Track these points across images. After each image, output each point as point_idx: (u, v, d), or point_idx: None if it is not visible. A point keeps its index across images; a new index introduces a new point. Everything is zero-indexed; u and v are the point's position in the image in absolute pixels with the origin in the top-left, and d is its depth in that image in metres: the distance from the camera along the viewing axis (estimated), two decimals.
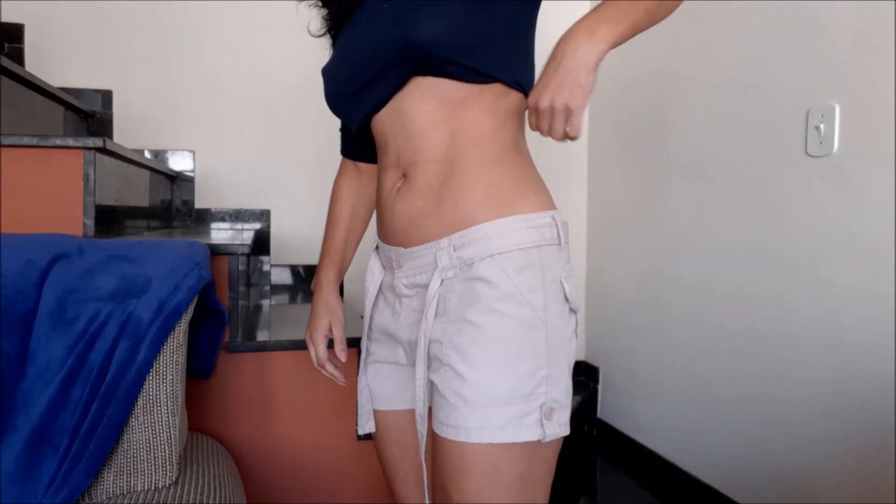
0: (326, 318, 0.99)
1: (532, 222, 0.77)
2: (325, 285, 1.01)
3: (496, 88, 0.79)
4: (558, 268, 0.79)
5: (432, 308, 0.78)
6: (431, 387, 0.79)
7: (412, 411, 0.89)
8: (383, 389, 0.92)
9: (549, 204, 0.81)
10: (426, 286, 0.80)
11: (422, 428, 0.81)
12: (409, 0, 0.77)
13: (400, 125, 0.81)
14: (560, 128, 0.71)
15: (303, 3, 0.94)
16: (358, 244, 1.07)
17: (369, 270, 0.91)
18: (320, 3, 0.94)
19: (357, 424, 0.94)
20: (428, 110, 0.79)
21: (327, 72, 0.89)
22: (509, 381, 0.74)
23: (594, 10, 0.72)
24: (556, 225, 0.79)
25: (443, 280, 0.78)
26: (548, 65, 0.72)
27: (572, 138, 0.71)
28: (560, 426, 0.76)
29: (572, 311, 0.81)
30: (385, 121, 0.83)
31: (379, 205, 0.87)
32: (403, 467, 0.93)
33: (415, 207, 0.80)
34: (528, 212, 0.78)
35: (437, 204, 0.78)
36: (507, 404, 0.73)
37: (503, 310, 0.75)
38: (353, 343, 1.38)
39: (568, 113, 0.69)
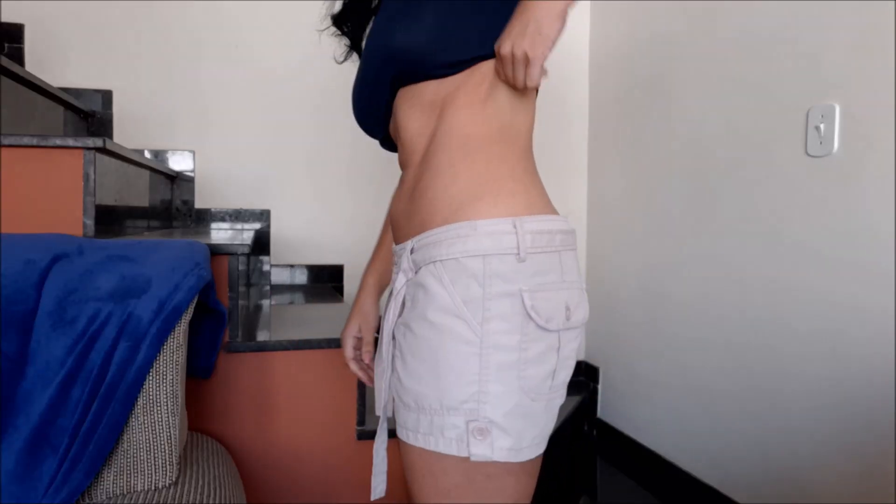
0: (357, 321, 1.00)
1: (483, 229, 0.71)
2: (364, 288, 1.02)
3: (478, 72, 0.77)
4: (515, 280, 0.71)
5: (395, 304, 0.80)
6: None
7: None
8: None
9: (520, 208, 0.74)
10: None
11: (382, 421, 0.85)
12: (396, 11, 0.80)
13: (397, 134, 0.85)
14: (520, 76, 0.70)
15: (324, 31, 1.00)
16: None
17: (393, 276, 0.94)
18: (339, 33, 1.00)
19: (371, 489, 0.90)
20: (415, 117, 0.81)
21: (353, 91, 0.92)
22: (433, 391, 0.72)
23: None
24: (516, 233, 0.71)
25: (406, 280, 0.79)
26: (514, 13, 0.71)
27: (528, 85, 0.71)
28: (494, 450, 0.70)
29: (543, 328, 0.72)
30: (392, 131, 0.88)
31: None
32: None
33: (398, 209, 0.84)
34: (481, 217, 0.72)
35: (409, 205, 0.81)
36: (434, 413, 0.72)
37: (434, 320, 0.72)
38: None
39: (526, 61, 0.69)
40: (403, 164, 0.86)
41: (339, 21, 1.00)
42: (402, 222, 0.83)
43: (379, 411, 0.84)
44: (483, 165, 0.75)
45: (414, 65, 0.77)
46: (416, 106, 0.81)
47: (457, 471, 0.72)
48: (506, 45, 0.71)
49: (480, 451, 0.70)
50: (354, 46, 1.01)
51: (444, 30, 0.76)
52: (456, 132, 0.76)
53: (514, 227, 0.72)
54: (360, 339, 0.99)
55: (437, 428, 0.72)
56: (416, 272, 0.77)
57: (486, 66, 0.76)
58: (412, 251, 0.78)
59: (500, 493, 0.73)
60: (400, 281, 0.80)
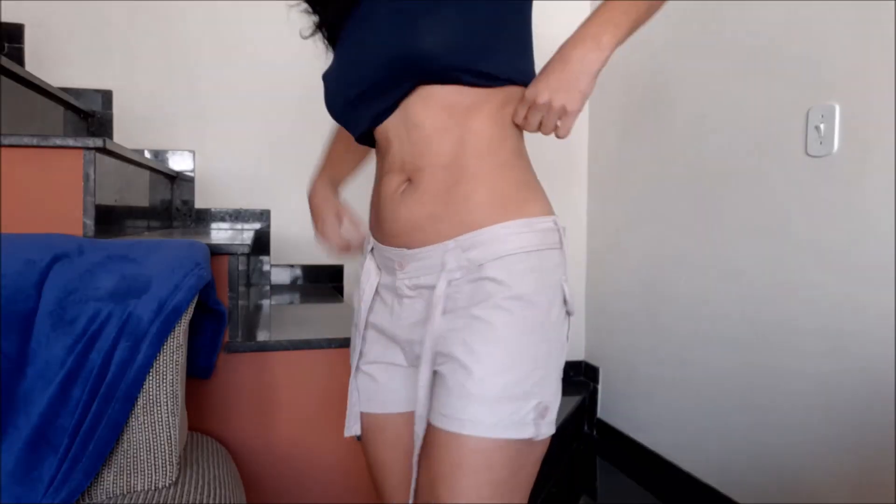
0: (331, 209, 1.02)
1: (535, 226, 0.79)
2: (320, 186, 1.04)
3: (502, 93, 0.80)
4: (559, 271, 0.81)
5: (439, 308, 0.79)
6: (434, 382, 0.80)
7: (406, 414, 0.89)
8: (378, 391, 0.91)
9: (550, 209, 0.83)
10: (430, 287, 0.81)
11: (420, 429, 0.81)
12: (409, 5, 0.77)
13: (406, 132, 0.81)
14: (551, 125, 0.76)
15: (293, 6, 0.95)
16: (354, 171, 1.12)
17: (364, 272, 0.91)
18: (310, 10, 0.94)
19: (345, 426, 0.95)
20: (434, 117, 0.79)
21: (329, 79, 0.89)
22: (509, 379, 0.75)
23: (597, 14, 0.77)
24: (558, 229, 0.82)
25: (450, 281, 0.79)
26: (552, 64, 0.76)
27: (559, 136, 0.77)
28: (549, 425, 0.78)
29: (569, 314, 0.83)
30: (390, 128, 0.83)
31: (378, 207, 0.87)
32: (396, 471, 0.91)
33: (422, 211, 0.80)
34: (532, 216, 0.79)
35: (444, 208, 0.79)
36: (507, 401, 0.74)
37: (511, 308, 0.76)
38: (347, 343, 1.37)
39: (563, 113, 0.74)
40: (407, 164, 0.81)
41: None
42: (427, 225, 0.80)
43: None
44: (519, 172, 0.83)
45: (444, 71, 0.76)
46: (433, 107, 0.79)
47: (515, 458, 0.76)
48: (543, 95, 0.75)
49: (545, 430, 0.77)
50: (329, 29, 0.94)
51: (476, 36, 0.77)
52: (486, 140, 0.80)
53: (555, 224, 0.82)
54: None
55: (512, 414, 0.74)
56: (478, 268, 0.78)
57: (514, 91, 0.81)
58: (461, 250, 0.79)
59: (532, 480, 0.82)
60: (442, 282, 0.79)
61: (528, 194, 0.82)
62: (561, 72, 0.74)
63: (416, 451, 0.81)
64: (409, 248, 0.82)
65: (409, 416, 0.88)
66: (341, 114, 0.89)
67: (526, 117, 0.78)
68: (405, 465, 0.90)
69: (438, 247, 0.79)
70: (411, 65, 0.76)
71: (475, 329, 0.76)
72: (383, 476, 0.93)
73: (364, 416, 0.92)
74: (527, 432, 0.75)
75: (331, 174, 1.07)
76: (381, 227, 0.86)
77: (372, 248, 0.91)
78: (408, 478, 0.89)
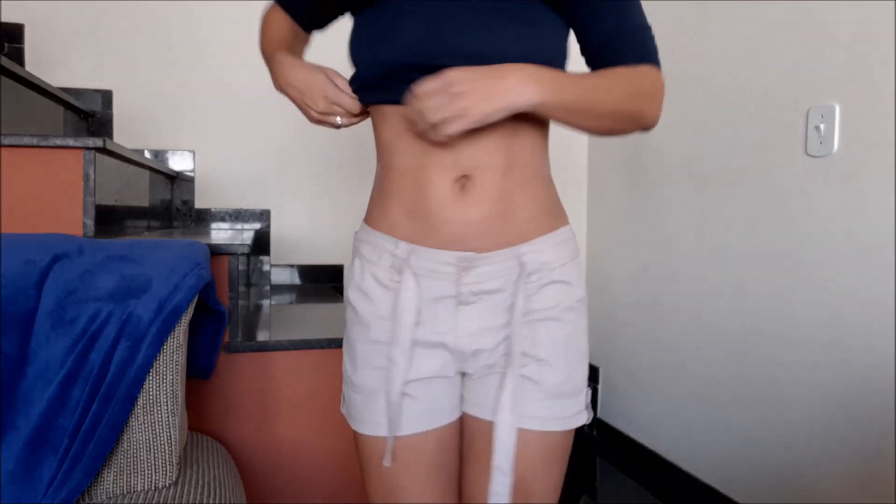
0: (321, 72, 0.85)
1: (571, 234, 0.88)
2: (294, 59, 0.88)
3: None
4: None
5: (519, 311, 0.80)
6: (504, 384, 0.82)
7: (451, 424, 0.87)
8: (427, 408, 0.84)
9: None
10: (495, 291, 0.81)
11: (506, 434, 0.80)
12: (505, 5, 0.77)
13: (400, 133, 0.80)
14: (444, 116, 0.70)
15: None
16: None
17: (404, 287, 0.81)
18: None
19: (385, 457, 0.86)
20: (506, 126, 0.77)
21: (386, 30, 0.79)
22: (579, 375, 0.85)
23: (570, 76, 0.75)
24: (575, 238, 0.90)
25: (525, 284, 0.82)
26: (493, 70, 0.71)
27: (434, 135, 0.73)
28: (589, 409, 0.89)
29: None
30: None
31: (421, 205, 0.80)
32: (434, 488, 0.88)
33: (489, 212, 0.79)
34: (568, 225, 0.88)
35: (506, 211, 0.80)
36: (577, 395, 0.85)
37: (579, 309, 0.85)
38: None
39: (461, 115, 0.69)
40: (461, 162, 0.78)
41: None
42: (495, 227, 0.79)
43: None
44: (552, 181, 0.88)
45: None
46: None
47: (569, 442, 0.87)
48: (462, 85, 0.69)
49: (590, 413, 0.88)
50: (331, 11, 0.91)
51: (549, 51, 0.80)
52: (530, 147, 0.82)
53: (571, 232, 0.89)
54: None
55: (581, 405, 0.85)
56: (552, 271, 0.82)
57: None
58: (537, 253, 0.82)
59: None
60: (520, 285, 0.80)
61: (560, 203, 0.89)
62: (494, 80, 0.70)
63: (501, 455, 0.80)
64: (477, 251, 0.79)
65: (454, 426, 0.88)
66: (385, 71, 0.78)
67: (424, 95, 0.71)
68: (449, 479, 0.89)
69: (511, 250, 0.80)
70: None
71: (556, 331, 0.82)
72: (419, 495, 0.87)
73: (399, 441, 0.85)
74: (586, 418, 0.86)
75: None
76: (434, 230, 0.79)
77: (397, 258, 0.82)
78: (449, 491, 0.89)
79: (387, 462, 0.85)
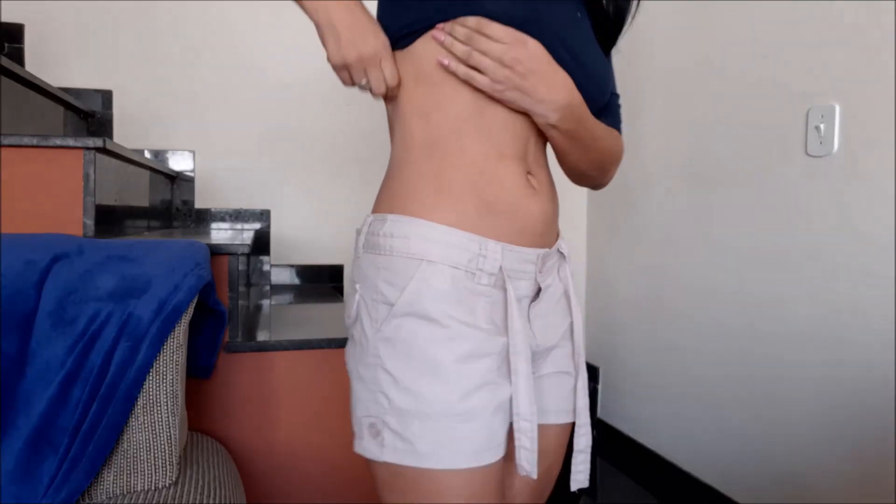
0: (383, 35, 0.74)
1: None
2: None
3: None
4: None
5: (573, 303, 0.85)
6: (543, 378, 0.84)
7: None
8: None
9: None
10: (551, 286, 0.83)
11: (587, 418, 0.84)
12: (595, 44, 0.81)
13: (538, 124, 0.76)
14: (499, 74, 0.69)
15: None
16: None
17: (509, 290, 0.73)
18: None
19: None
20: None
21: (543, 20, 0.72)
22: None
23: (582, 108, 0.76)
24: None
25: (567, 277, 0.86)
26: (550, 61, 0.71)
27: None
28: None
29: None
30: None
31: (505, 200, 0.74)
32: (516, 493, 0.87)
33: (550, 208, 0.81)
34: None
35: (556, 207, 0.83)
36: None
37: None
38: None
39: (506, 87, 0.70)
40: (529, 156, 0.77)
41: None
42: (553, 222, 0.82)
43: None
44: None
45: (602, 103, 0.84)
46: None
47: None
48: (524, 64, 0.70)
49: None
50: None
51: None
52: (546, 153, 0.84)
53: None
54: None
55: None
56: (558, 270, 0.85)
57: None
58: (562, 249, 0.86)
59: None
60: (566, 279, 0.85)
61: None
62: (554, 71, 0.71)
63: (583, 439, 0.84)
64: (549, 247, 0.80)
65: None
66: (525, 15, 0.70)
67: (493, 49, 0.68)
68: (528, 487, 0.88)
69: (558, 244, 0.84)
70: (598, 105, 0.81)
71: (578, 322, 0.86)
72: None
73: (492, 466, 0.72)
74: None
75: None
76: (520, 225, 0.75)
77: (485, 252, 0.73)
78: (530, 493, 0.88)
79: (533, 473, 0.74)
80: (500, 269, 0.73)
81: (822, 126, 1.48)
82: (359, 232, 0.78)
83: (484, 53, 0.68)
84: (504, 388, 0.72)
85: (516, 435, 0.73)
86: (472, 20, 0.69)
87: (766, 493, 1.65)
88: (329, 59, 0.73)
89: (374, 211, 0.77)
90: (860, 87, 1.40)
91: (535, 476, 0.73)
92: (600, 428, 2.45)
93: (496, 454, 0.71)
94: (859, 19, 1.40)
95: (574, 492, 0.93)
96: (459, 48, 0.70)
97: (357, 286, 0.76)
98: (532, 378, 0.74)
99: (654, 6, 2.11)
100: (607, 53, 0.87)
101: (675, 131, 2.03)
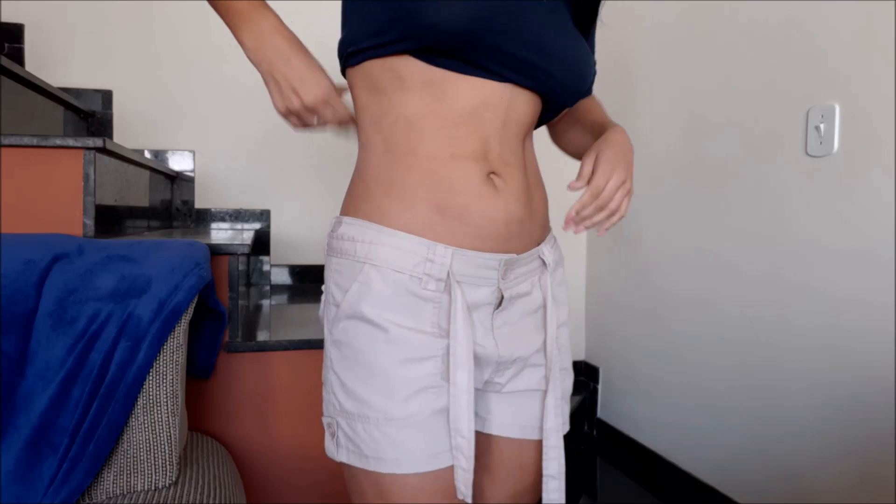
0: (323, 72, 0.76)
1: (556, 238, 0.88)
2: (280, 22, 0.78)
3: None
4: None
5: (551, 314, 0.80)
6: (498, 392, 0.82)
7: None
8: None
9: None
10: (525, 294, 0.78)
11: (559, 440, 0.79)
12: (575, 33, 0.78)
13: (503, 122, 0.73)
14: (622, 208, 0.77)
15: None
16: None
17: (455, 297, 0.70)
18: None
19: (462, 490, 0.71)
20: (527, 123, 0.77)
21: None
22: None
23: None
24: None
25: (548, 286, 0.81)
26: (628, 148, 0.78)
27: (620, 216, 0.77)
28: None
29: None
30: (489, 100, 0.71)
31: (459, 203, 0.71)
32: None
33: (519, 211, 0.74)
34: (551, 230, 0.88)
35: (533, 210, 0.78)
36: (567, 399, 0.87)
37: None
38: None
39: (623, 207, 0.76)
40: (492, 155, 0.73)
41: None
42: (526, 226, 0.76)
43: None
44: None
45: (574, 102, 0.82)
46: (532, 113, 0.77)
47: None
48: (627, 181, 0.78)
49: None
50: None
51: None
52: (533, 153, 0.83)
53: None
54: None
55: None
56: (555, 270, 0.83)
57: None
58: (550, 254, 0.82)
59: None
60: (545, 286, 0.80)
61: None
62: (630, 155, 0.77)
63: (554, 462, 0.78)
64: (516, 252, 0.75)
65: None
66: (468, 25, 0.66)
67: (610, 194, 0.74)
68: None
69: (535, 251, 0.78)
70: (580, 91, 0.79)
71: (567, 336, 0.84)
72: None
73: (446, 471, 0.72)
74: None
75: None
76: (475, 229, 0.71)
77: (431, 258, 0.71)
78: None
79: (468, 497, 0.71)
80: (449, 274, 0.70)
81: (822, 126, 1.48)
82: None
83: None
84: (444, 394, 0.71)
85: (453, 453, 0.70)
86: None
87: (766, 493, 1.65)
88: (275, 108, 0.76)
89: (339, 213, 0.78)
90: (860, 87, 1.40)
91: (469, 500, 0.71)
92: (600, 428, 2.45)
93: (444, 460, 0.70)
94: (859, 19, 1.40)
95: (574, 492, 0.92)
96: None
97: (322, 287, 0.79)
98: (472, 393, 0.71)
99: (654, 6, 2.11)
100: (588, 33, 0.83)
101: (673, 131, 2.03)
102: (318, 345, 1.35)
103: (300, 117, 0.76)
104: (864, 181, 1.39)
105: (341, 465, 0.73)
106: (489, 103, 0.71)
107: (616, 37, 2.33)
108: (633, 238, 2.27)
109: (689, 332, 1.96)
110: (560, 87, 0.75)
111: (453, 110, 0.70)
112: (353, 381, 0.70)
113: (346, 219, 0.74)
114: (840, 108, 1.44)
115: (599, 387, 2.48)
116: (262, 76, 0.76)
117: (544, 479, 0.78)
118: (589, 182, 0.74)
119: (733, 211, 1.77)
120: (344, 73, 0.78)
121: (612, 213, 0.75)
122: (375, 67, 0.71)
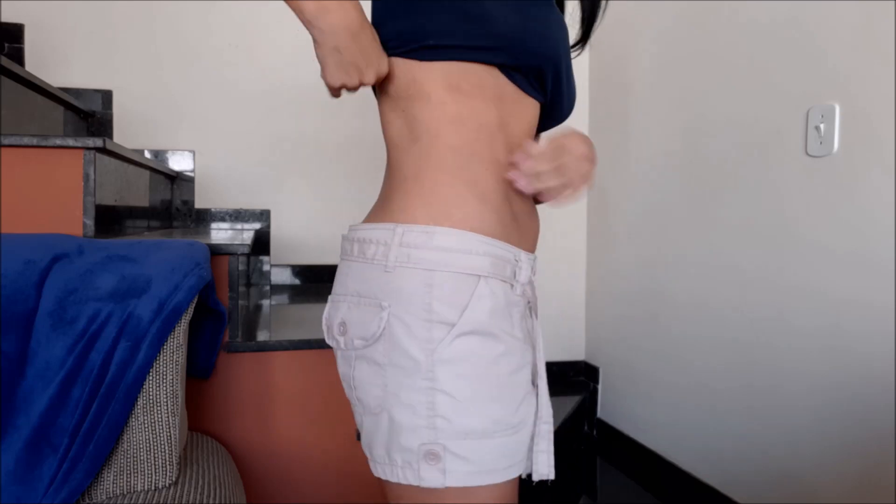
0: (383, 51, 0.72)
1: None
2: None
3: None
4: None
5: (537, 318, 0.80)
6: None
7: None
8: None
9: None
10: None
11: (549, 444, 0.77)
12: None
13: (530, 131, 0.78)
14: (581, 180, 0.74)
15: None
16: None
17: (491, 286, 0.70)
18: None
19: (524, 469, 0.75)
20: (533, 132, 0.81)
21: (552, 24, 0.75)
22: None
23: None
24: None
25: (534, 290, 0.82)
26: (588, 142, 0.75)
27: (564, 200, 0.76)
28: None
29: None
30: (535, 120, 0.78)
31: (514, 210, 0.75)
32: None
33: (529, 212, 0.79)
34: None
35: (533, 213, 0.81)
36: None
37: None
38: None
39: (582, 186, 0.74)
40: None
41: None
42: (531, 231, 0.79)
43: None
44: None
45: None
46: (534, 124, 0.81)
47: None
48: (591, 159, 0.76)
49: None
50: None
51: None
52: None
53: None
54: None
55: None
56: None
57: None
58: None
59: None
60: (533, 289, 0.80)
61: None
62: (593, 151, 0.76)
63: (537, 470, 0.77)
64: (532, 251, 0.80)
65: None
66: (544, 51, 0.72)
67: (584, 158, 0.71)
68: None
69: (534, 254, 0.81)
70: (570, 111, 0.84)
71: (539, 333, 0.82)
72: None
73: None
74: None
75: None
76: (526, 234, 0.76)
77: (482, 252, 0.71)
78: None
79: (552, 475, 0.75)
80: (528, 278, 0.75)
81: (822, 126, 1.48)
82: (373, 242, 0.70)
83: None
84: (534, 397, 0.75)
85: (536, 440, 0.73)
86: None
87: (766, 492, 1.65)
88: (325, 79, 0.70)
89: (400, 220, 0.70)
90: (860, 87, 1.40)
91: (552, 477, 0.74)
92: (600, 428, 2.45)
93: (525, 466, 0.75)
94: (859, 19, 1.40)
95: (574, 492, 0.92)
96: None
97: (384, 303, 0.68)
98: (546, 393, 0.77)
99: (654, 5, 2.11)
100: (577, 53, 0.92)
101: (673, 131, 2.03)
102: (317, 345, 1.35)
103: (348, 90, 0.72)
104: (864, 181, 1.39)
105: (425, 492, 0.68)
106: (535, 122, 0.78)
107: (616, 37, 2.33)
108: (633, 238, 2.27)
109: (689, 332, 1.95)
110: (568, 110, 0.82)
111: (519, 127, 0.75)
112: (474, 397, 0.68)
113: (440, 229, 0.68)
114: (840, 108, 1.44)
115: (599, 387, 2.48)
116: (321, 46, 0.68)
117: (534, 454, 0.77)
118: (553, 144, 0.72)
119: (733, 211, 1.77)
120: (403, 56, 0.72)
121: (567, 185, 0.70)
122: (456, 68, 0.70)
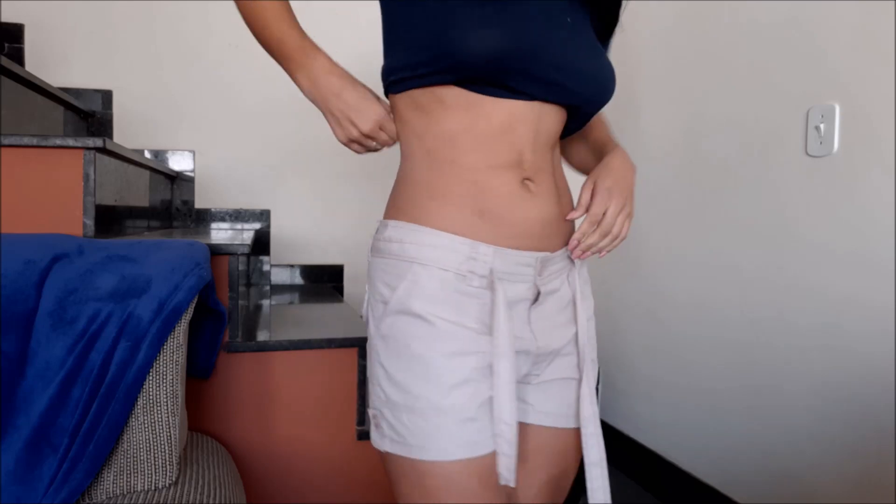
0: (375, 97, 0.83)
1: None
2: (330, 60, 0.82)
3: None
4: None
5: (580, 308, 0.85)
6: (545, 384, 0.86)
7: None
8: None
9: None
10: (557, 290, 0.84)
11: (596, 428, 0.87)
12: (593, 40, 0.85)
13: (535, 134, 0.79)
14: (622, 231, 0.82)
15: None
16: None
17: (499, 292, 0.76)
18: None
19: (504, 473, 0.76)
20: (555, 133, 0.83)
21: (513, 18, 0.75)
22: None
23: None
24: None
25: (578, 281, 0.86)
26: (630, 172, 0.84)
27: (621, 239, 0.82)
28: None
29: None
30: (518, 116, 0.78)
31: (496, 207, 0.77)
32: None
33: (551, 212, 0.81)
34: None
35: (562, 211, 0.83)
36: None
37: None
38: (346, 343, 1.38)
39: (624, 231, 0.82)
40: (526, 164, 0.79)
41: None
42: (557, 227, 0.82)
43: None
44: None
45: (597, 111, 0.89)
46: (561, 122, 0.84)
47: None
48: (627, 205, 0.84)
49: None
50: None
51: None
52: (560, 159, 0.89)
53: None
54: None
55: None
56: (581, 268, 0.87)
57: None
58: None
59: None
60: (576, 284, 0.86)
61: None
62: (632, 178, 0.84)
63: (594, 450, 0.87)
64: (550, 251, 0.81)
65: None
66: (498, 59, 0.73)
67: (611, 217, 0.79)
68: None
69: (566, 249, 0.84)
70: (602, 103, 0.87)
71: (592, 325, 0.88)
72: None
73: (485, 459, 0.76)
74: None
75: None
76: (511, 230, 0.78)
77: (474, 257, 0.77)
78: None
79: (511, 482, 0.75)
80: (491, 271, 0.76)
81: (822, 126, 1.48)
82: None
83: None
84: (486, 388, 0.76)
85: (496, 440, 0.75)
86: None
87: (766, 492, 1.65)
88: (337, 139, 0.84)
89: (383, 218, 0.84)
90: (860, 87, 1.40)
91: (513, 484, 0.75)
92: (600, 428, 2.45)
93: (483, 448, 0.74)
94: (859, 19, 1.40)
95: (574, 492, 0.94)
96: None
97: (367, 287, 0.83)
98: (514, 382, 0.76)
99: (653, 5, 2.11)
100: (608, 39, 0.93)
101: (674, 131, 2.03)
102: (317, 345, 1.36)
103: (361, 143, 0.84)
104: (864, 181, 1.39)
105: (384, 455, 0.77)
106: (522, 120, 0.78)
107: (616, 37, 2.32)
108: (633, 238, 2.27)
109: (689, 331, 1.96)
110: (584, 102, 0.82)
111: (489, 128, 0.77)
112: (400, 372, 0.75)
113: (391, 222, 0.80)
114: (840, 108, 1.44)
115: (599, 387, 2.48)
116: (322, 112, 0.84)
117: (587, 468, 0.85)
118: (588, 210, 0.79)
119: (733, 211, 1.77)
120: (386, 94, 0.85)
121: (614, 238, 0.79)
122: (417, 92, 0.79)
